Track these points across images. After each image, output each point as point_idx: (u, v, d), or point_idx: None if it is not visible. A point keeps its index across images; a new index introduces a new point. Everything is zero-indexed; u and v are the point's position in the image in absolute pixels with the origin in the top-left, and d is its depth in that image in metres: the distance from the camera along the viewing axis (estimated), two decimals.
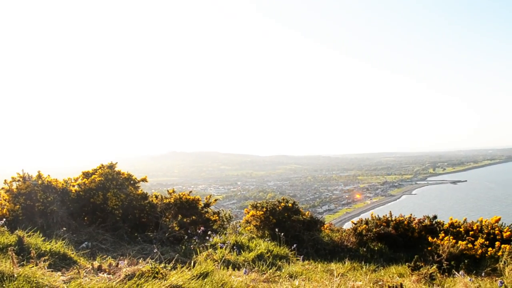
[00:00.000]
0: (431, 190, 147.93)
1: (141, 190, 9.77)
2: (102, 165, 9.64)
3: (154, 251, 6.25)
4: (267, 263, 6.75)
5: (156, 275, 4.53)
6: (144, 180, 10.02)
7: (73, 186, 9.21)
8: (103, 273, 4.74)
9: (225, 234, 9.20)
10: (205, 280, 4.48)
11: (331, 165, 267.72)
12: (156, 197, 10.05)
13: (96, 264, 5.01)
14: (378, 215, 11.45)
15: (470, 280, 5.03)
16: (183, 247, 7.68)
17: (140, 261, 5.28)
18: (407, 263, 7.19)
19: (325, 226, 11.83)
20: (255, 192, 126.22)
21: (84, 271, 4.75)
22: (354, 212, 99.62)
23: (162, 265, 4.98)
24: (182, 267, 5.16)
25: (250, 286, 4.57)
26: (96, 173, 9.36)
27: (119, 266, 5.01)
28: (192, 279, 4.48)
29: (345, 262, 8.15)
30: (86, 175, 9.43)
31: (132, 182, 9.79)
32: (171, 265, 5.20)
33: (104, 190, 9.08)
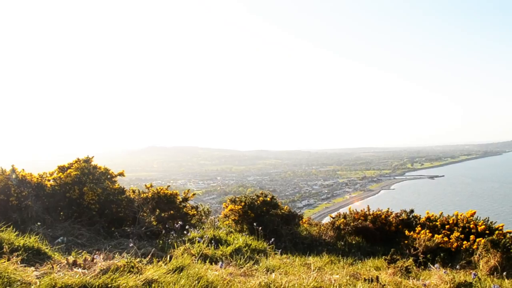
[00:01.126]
0: (409, 185, 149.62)
1: (118, 185, 9.67)
2: (78, 159, 9.51)
3: (130, 245, 6.19)
4: (245, 257, 6.74)
5: (131, 269, 4.48)
6: (121, 174, 9.93)
7: (49, 180, 9.07)
8: (77, 268, 4.66)
9: (203, 228, 9.17)
10: (181, 274, 4.44)
11: (310, 160, 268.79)
12: (134, 191, 9.96)
13: (71, 259, 4.93)
14: (356, 210, 11.54)
15: (445, 272, 5.09)
16: (161, 241, 7.63)
17: (116, 255, 5.22)
18: (383, 257, 7.25)
19: (304, 220, 11.87)
20: (235, 187, 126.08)
21: (58, 266, 4.67)
22: (334, 207, 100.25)
23: (138, 259, 4.93)
24: (158, 261, 5.12)
25: (227, 279, 4.54)
26: (72, 167, 9.22)
27: (94, 261, 4.94)
28: (168, 273, 4.44)
29: (323, 256, 8.19)
30: (62, 169, 9.29)
31: (109, 176, 9.68)
32: (147, 259, 5.15)
33: (80, 184, 8.97)
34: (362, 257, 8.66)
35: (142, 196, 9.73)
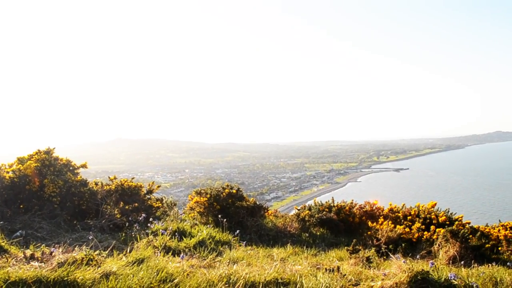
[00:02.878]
0: (375, 178, 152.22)
1: (81, 177, 9.48)
2: (39, 150, 9.27)
3: (90, 238, 6.08)
4: (209, 249, 6.72)
5: (90, 262, 4.40)
6: (83, 166, 9.73)
7: (7, 172, 8.81)
8: (34, 262, 4.55)
9: (168, 221, 9.09)
10: (141, 266, 4.38)
11: (279, 153, 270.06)
12: (97, 183, 9.79)
13: (28, 252, 4.81)
14: (321, 201, 11.65)
15: (404, 262, 5.17)
16: (123, 234, 7.54)
17: (76, 249, 5.12)
18: (346, 247, 7.35)
19: (270, 212, 11.92)
20: (203, 180, 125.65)
21: (14, 260, 4.56)
22: (301, 199, 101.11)
23: (97, 252, 4.85)
24: (119, 254, 5.05)
25: (187, 271, 4.50)
26: (32, 159, 8.99)
27: (52, 254, 4.83)
28: (127, 266, 4.37)
29: (287, 247, 8.23)
30: (22, 161, 9.05)
31: (71, 168, 9.48)
32: (107, 252, 5.07)
33: (40, 176, 8.75)
34: (326, 248, 8.75)
35: (105, 188, 9.58)
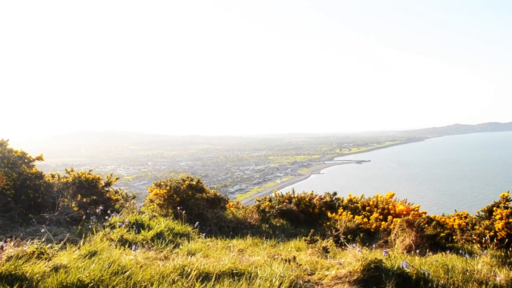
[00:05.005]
0: (338, 170, 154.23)
1: (36, 169, 9.24)
2: None
3: (42, 231, 5.95)
4: (167, 241, 6.67)
5: (41, 256, 4.29)
6: (39, 158, 9.48)
7: None
8: None
9: (126, 213, 8.97)
10: (93, 258, 4.31)
11: (242, 145, 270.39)
12: (53, 176, 9.56)
13: None
14: (281, 193, 11.72)
15: (359, 251, 5.26)
16: (80, 227, 7.39)
17: (28, 242, 4.99)
18: (304, 238, 7.41)
19: (231, 204, 11.92)
20: (166, 173, 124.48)
21: None
22: (265, 192, 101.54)
23: (50, 245, 4.74)
24: (72, 247, 4.94)
25: (141, 263, 4.45)
26: None
27: (3, 248, 4.70)
28: (79, 259, 4.28)
29: (247, 239, 8.24)
30: None
31: (26, 160, 9.21)
32: (60, 245, 4.96)
33: None
34: (285, 238, 8.80)
35: (62, 181, 9.37)
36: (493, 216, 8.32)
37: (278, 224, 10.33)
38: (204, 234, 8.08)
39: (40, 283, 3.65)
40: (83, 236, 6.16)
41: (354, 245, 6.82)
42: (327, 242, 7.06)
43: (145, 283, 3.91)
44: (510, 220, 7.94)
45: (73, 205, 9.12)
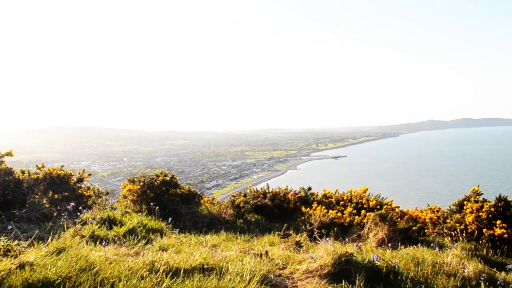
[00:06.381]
0: (314, 165, 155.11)
1: (5, 165, 9.06)
2: None
3: (9, 227, 5.84)
4: (139, 237, 6.61)
5: (8, 253, 4.20)
6: (9, 154, 9.30)
7: None
8: None
9: (98, 209, 8.86)
10: (60, 255, 4.24)
11: (219, 141, 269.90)
12: (23, 172, 9.38)
13: None
14: (256, 188, 11.73)
15: (330, 245, 5.29)
16: (50, 224, 7.27)
17: None
18: (277, 232, 7.42)
19: (205, 199, 11.88)
20: (142, 168, 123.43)
21: None
22: (242, 187, 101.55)
23: (17, 242, 4.64)
24: (41, 244, 4.86)
25: (111, 259, 4.40)
26: None
27: None
28: (47, 255, 4.21)
29: (221, 234, 8.22)
30: None
31: None
32: (28, 242, 4.87)
33: None
34: (260, 234, 8.80)
35: (32, 177, 9.20)
36: (464, 210, 8.46)
37: (252, 219, 10.34)
38: (178, 230, 8.04)
39: (5, 280, 3.57)
40: (53, 232, 6.07)
41: (327, 239, 6.85)
42: (301, 236, 7.10)
43: (113, 279, 3.86)
44: (480, 214, 8.09)
45: (44, 201, 8.98)
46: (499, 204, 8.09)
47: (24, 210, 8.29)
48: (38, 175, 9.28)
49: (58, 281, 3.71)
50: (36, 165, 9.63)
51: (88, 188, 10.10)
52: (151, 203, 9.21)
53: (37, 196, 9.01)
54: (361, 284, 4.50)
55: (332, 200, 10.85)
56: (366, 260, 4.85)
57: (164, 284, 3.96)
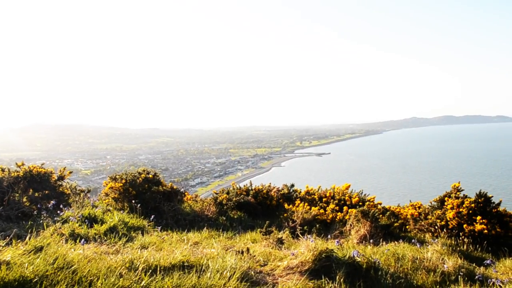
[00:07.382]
0: (298, 162, 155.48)
1: None
2: None
3: None
4: (120, 235, 6.57)
5: None
6: None
7: None
8: None
9: (77, 207, 8.78)
10: (38, 254, 4.19)
11: (203, 138, 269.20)
12: (3, 170, 9.26)
13: None
14: (239, 185, 11.72)
15: (312, 241, 5.31)
16: (30, 222, 7.18)
17: None
18: (259, 229, 7.43)
19: (188, 197, 11.84)
20: (125, 166, 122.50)
21: None
22: (226, 184, 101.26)
23: None
24: (19, 242, 4.79)
25: (90, 257, 4.36)
26: None
27: None
28: (24, 254, 4.16)
29: (203, 231, 8.20)
30: None
31: None
32: (6, 241, 4.80)
33: None
34: (242, 231, 8.79)
35: (12, 175, 9.08)
36: (445, 206, 8.56)
37: (235, 217, 10.32)
38: (160, 228, 8.00)
39: None
40: (32, 231, 5.99)
41: (309, 236, 6.87)
42: (283, 233, 7.11)
43: (92, 278, 3.82)
44: (461, 210, 8.19)
45: (24, 200, 8.88)
46: (479, 200, 8.19)
47: (3, 209, 8.19)
48: (18, 173, 9.16)
49: (35, 279, 3.67)
50: (16, 163, 9.51)
51: (70, 186, 10.00)
52: (133, 201, 9.16)
53: (17, 195, 8.91)
54: (341, 280, 4.53)
55: (315, 197, 10.90)
56: (347, 256, 4.88)
57: (143, 282, 3.93)
